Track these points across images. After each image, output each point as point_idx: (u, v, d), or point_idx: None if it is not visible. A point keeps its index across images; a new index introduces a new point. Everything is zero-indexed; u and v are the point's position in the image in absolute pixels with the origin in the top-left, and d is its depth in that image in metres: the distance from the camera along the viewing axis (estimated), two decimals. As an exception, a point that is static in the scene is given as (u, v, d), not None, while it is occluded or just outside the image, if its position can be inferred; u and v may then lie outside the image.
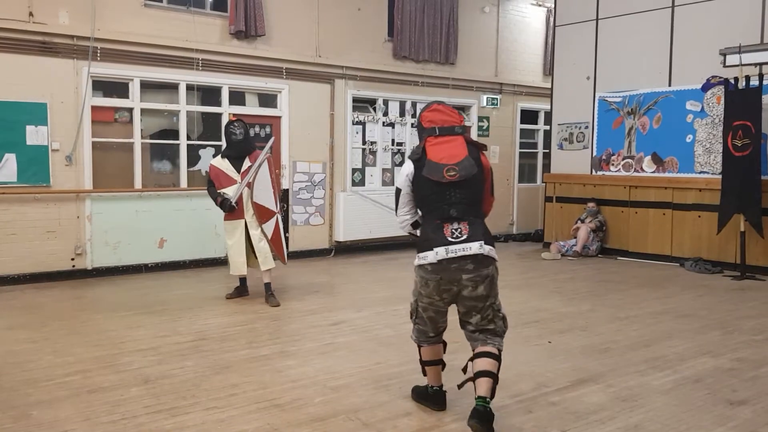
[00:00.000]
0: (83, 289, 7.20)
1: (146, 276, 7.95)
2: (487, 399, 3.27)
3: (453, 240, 3.32)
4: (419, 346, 3.69)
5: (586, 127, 10.31)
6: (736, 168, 8.01)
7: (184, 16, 8.33)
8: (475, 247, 3.32)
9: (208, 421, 3.54)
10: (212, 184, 6.42)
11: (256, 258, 6.37)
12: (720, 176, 8.35)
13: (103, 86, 7.99)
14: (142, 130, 8.21)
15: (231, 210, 6.30)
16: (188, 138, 8.55)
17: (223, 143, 6.88)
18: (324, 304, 6.49)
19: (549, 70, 11.66)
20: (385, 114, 10.30)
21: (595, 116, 10.18)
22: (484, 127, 11.48)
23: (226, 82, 8.71)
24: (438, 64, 10.81)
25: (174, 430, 3.43)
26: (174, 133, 8.54)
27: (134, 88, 8.04)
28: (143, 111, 8.19)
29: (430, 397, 3.74)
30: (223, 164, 6.41)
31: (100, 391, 3.99)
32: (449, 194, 3.36)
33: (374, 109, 10.26)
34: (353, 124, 9.95)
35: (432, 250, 3.34)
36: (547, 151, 11.26)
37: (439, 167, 3.35)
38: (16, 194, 7.27)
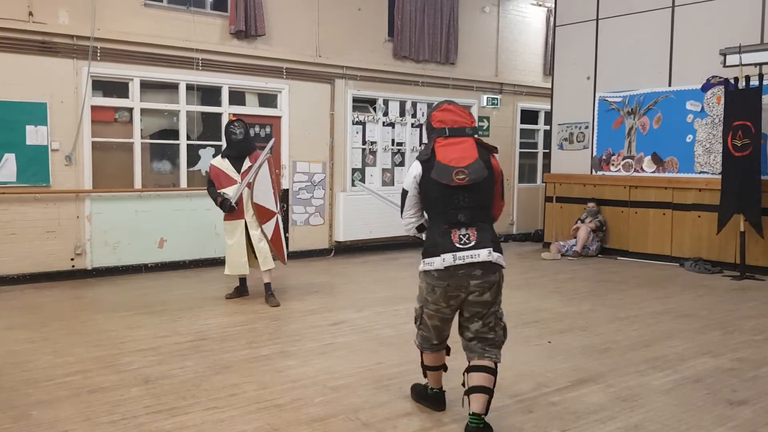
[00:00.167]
0: (83, 289, 7.20)
1: (146, 276, 7.94)
2: (482, 416, 3.21)
3: (461, 246, 3.21)
4: (421, 352, 3.65)
5: (586, 127, 10.31)
6: (736, 168, 8.01)
7: (184, 15, 8.33)
8: (483, 254, 3.21)
9: (208, 422, 3.54)
10: (212, 184, 6.42)
11: (256, 258, 6.37)
12: (720, 176, 8.34)
13: (103, 86, 7.99)
14: (142, 130, 8.20)
15: (231, 210, 6.30)
16: (188, 138, 8.55)
17: (223, 143, 6.88)
18: (324, 304, 6.49)
19: (549, 70, 11.66)
20: (385, 114, 10.30)
21: (595, 116, 10.17)
22: (485, 127, 11.47)
23: (226, 82, 8.71)
24: (438, 64, 10.81)
25: (174, 430, 3.43)
26: (174, 133, 8.54)
27: (134, 88, 8.04)
28: (143, 111, 8.18)
29: (430, 398, 3.72)
30: (223, 164, 6.40)
31: (100, 391, 3.99)
32: (458, 198, 3.24)
33: (374, 109, 10.26)
34: (353, 124, 9.95)
35: (439, 256, 3.22)
36: (547, 151, 11.26)
37: (448, 170, 3.23)
38: (15, 194, 7.26)
